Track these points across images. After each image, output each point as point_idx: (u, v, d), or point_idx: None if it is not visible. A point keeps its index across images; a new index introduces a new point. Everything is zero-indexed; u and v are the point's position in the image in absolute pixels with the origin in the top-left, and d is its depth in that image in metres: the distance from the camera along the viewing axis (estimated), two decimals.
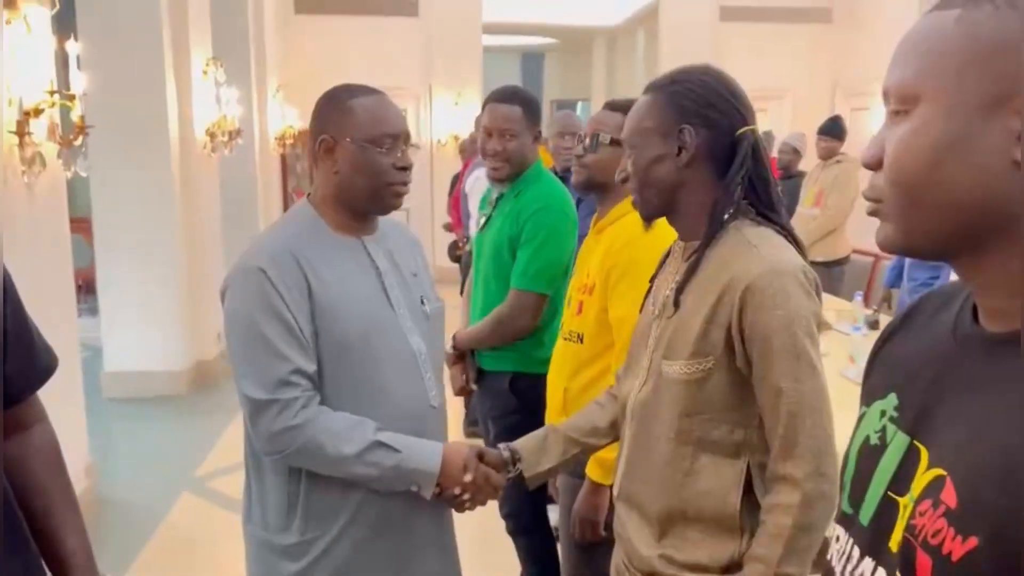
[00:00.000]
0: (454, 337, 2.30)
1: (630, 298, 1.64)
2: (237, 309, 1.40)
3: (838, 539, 0.75)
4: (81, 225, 5.23)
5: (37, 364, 1.20)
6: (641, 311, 1.41)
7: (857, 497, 0.72)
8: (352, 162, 1.45)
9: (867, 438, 0.74)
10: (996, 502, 0.56)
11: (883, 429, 0.72)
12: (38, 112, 2.77)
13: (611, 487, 1.75)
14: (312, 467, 1.42)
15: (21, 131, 2.69)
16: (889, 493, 0.68)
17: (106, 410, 4.68)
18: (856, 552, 0.71)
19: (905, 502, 0.65)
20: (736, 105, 1.27)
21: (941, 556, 0.59)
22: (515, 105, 2.14)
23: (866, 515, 0.70)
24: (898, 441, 0.69)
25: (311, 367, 1.39)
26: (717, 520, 1.23)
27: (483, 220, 2.35)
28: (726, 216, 1.24)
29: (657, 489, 1.28)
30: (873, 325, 3.72)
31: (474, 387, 2.33)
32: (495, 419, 2.29)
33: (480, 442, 2.38)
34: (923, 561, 0.61)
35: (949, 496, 0.60)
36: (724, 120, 1.25)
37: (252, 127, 6.54)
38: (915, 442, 0.67)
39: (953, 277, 0.78)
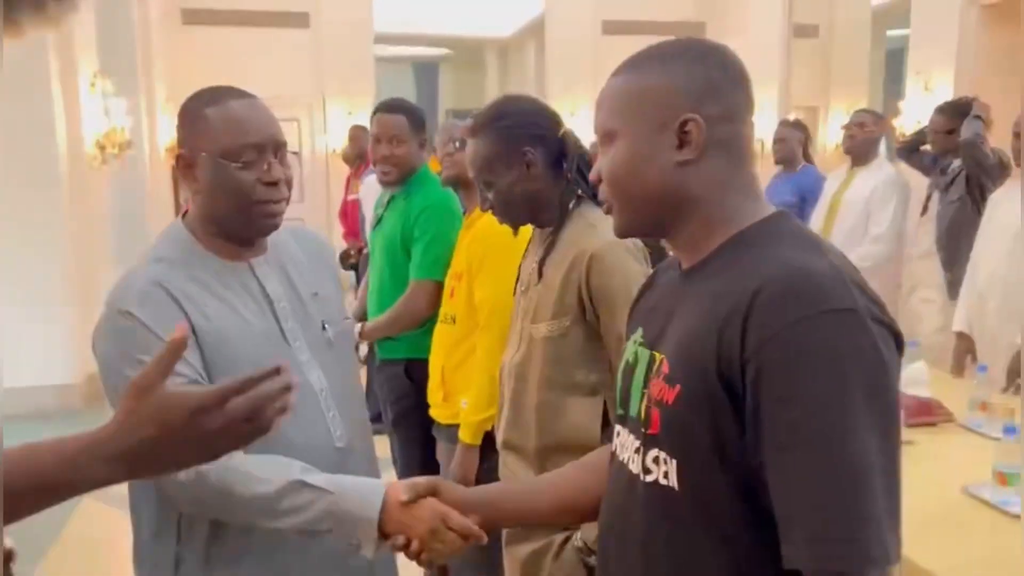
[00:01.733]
0: (360, 331, 2.49)
1: (491, 281, 1.93)
2: (106, 359, 1.23)
3: (618, 434, 1.05)
4: None
5: None
6: (515, 294, 1.68)
7: (625, 401, 1.04)
8: (210, 180, 1.26)
9: (627, 361, 1.05)
10: (685, 361, 0.91)
11: (635, 352, 1.03)
12: None
13: (482, 447, 2.00)
14: (228, 517, 1.24)
15: None
16: (643, 391, 0.99)
17: None
18: (628, 437, 1.02)
19: (649, 391, 0.97)
20: (547, 116, 1.61)
21: (663, 404, 0.93)
22: (400, 115, 2.37)
23: (633, 410, 1.01)
24: (643, 355, 1.01)
25: None
26: (583, 449, 1.49)
27: (376, 220, 2.57)
28: (571, 204, 1.54)
29: (533, 431, 1.54)
30: None
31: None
32: (392, 403, 2.50)
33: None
34: (655, 413, 0.95)
35: (665, 368, 0.94)
36: (547, 132, 1.58)
37: (142, 139, 6.51)
38: (653, 352, 0.99)
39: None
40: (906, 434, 2.35)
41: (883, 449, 0.85)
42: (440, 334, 2.17)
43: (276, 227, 1.31)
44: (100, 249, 5.36)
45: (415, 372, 2.42)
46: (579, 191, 1.57)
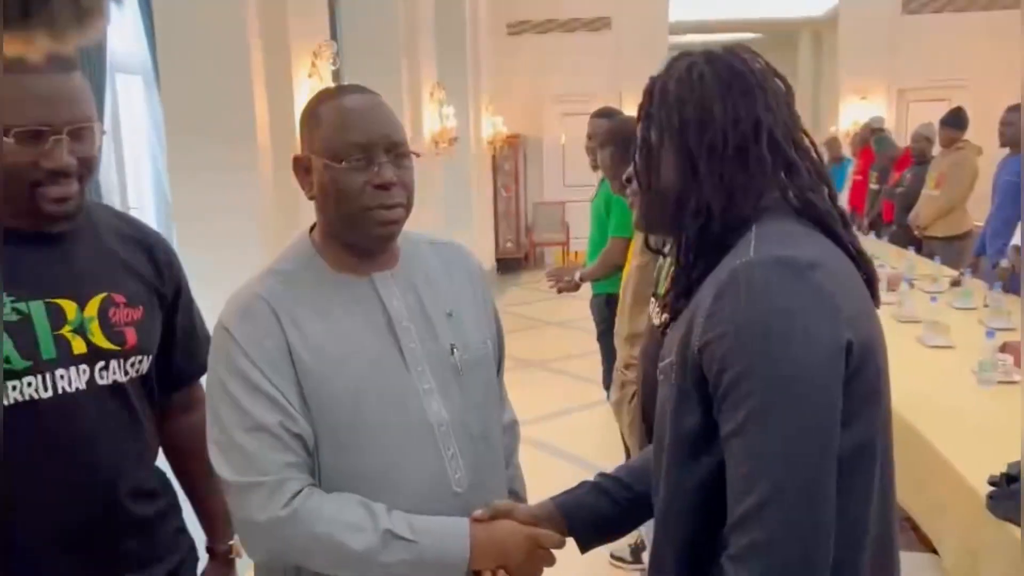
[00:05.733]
0: (579, 274, 3.54)
1: None
2: (209, 371, 1.16)
3: (651, 302, 1.93)
4: None
5: (200, 358, 1.32)
6: None
7: (656, 284, 1.92)
8: (320, 183, 1.16)
9: (659, 268, 1.90)
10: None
11: (659, 263, 1.89)
12: None
13: None
14: (310, 566, 1.13)
15: None
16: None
17: None
18: (654, 306, 1.93)
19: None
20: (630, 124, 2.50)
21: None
22: (603, 119, 3.34)
23: (660, 290, 1.90)
24: (666, 265, 1.89)
25: (304, 437, 1.12)
26: None
27: (594, 194, 3.59)
28: None
29: (627, 324, 2.45)
30: (955, 283, 4.39)
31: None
32: (598, 323, 3.52)
33: None
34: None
35: None
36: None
37: (468, 135, 8.11)
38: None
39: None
40: None
41: None
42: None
43: (392, 236, 1.20)
44: (434, 222, 6.98)
45: (613, 302, 3.40)
46: None
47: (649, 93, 1.06)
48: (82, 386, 1.19)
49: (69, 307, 1.19)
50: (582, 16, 10.08)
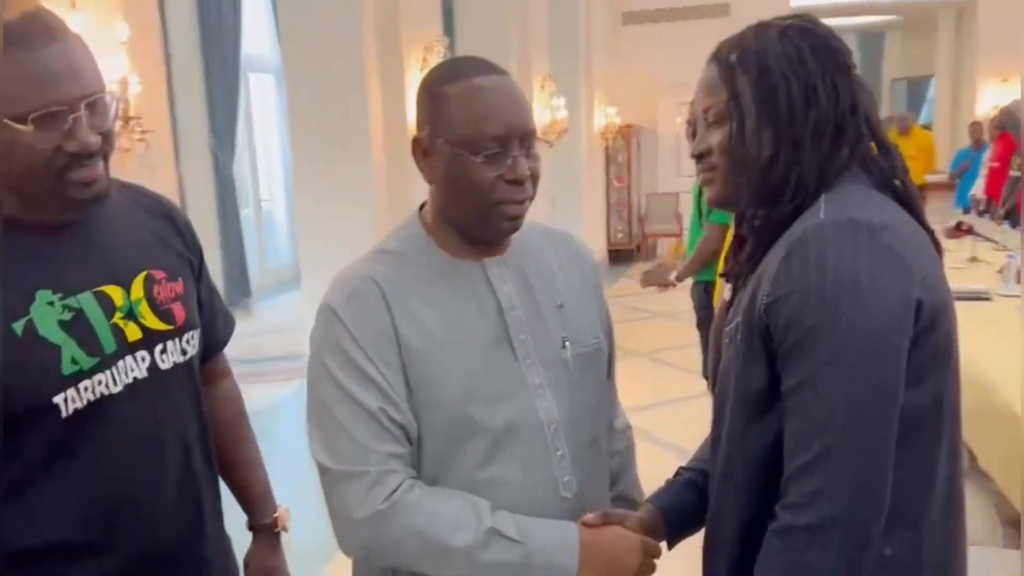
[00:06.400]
0: (674, 275, 3.53)
1: None
2: (311, 353, 1.11)
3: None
4: None
5: (222, 328, 1.36)
6: None
7: None
8: (447, 171, 1.09)
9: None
10: None
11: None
12: None
13: None
14: (406, 564, 1.08)
15: None
16: None
17: None
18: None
19: None
20: None
21: None
22: None
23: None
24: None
25: (407, 427, 1.07)
26: None
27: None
28: None
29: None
30: None
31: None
32: (698, 311, 3.52)
33: None
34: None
35: None
36: None
37: (579, 126, 8.16)
38: None
39: None
40: None
41: None
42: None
43: (516, 229, 1.13)
44: (542, 213, 7.09)
45: (712, 289, 3.39)
46: None
47: (729, 66, 1.03)
48: (143, 374, 1.14)
49: (116, 293, 1.12)
50: (700, 3, 9.90)
